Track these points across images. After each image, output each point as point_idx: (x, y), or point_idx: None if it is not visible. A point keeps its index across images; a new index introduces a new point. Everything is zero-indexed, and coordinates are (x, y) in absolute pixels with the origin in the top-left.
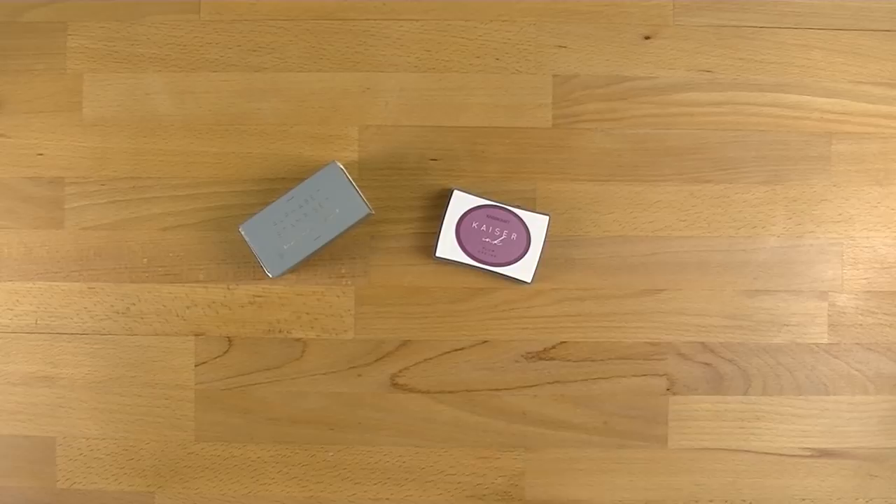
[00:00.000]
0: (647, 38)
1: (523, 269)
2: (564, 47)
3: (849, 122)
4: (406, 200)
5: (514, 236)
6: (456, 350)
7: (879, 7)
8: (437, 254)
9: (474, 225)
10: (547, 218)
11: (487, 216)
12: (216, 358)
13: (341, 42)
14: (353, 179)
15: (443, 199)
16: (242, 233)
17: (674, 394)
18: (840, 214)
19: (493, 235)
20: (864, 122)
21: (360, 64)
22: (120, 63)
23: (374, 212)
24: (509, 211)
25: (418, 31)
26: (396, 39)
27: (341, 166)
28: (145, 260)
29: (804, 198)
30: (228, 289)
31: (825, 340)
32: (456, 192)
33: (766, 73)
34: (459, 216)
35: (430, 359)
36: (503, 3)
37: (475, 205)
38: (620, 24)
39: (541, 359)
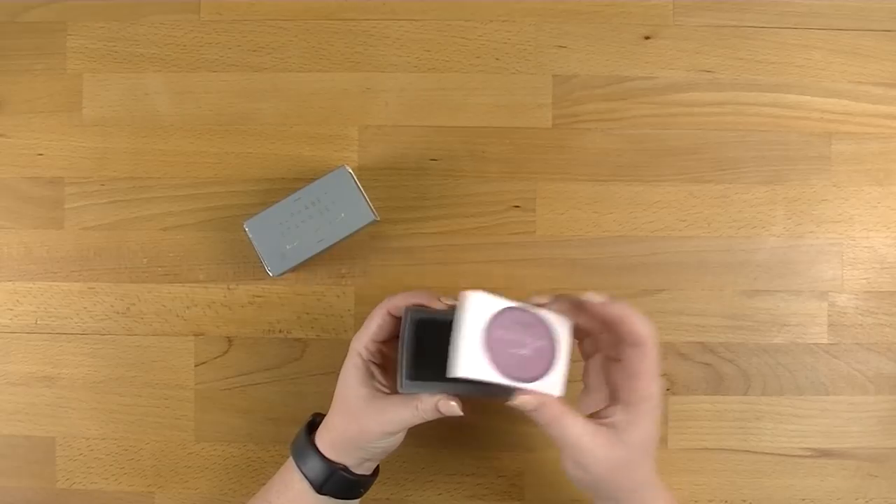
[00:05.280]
0: (646, 38)
1: (553, 384)
2: (564, 47)
3: (849, 122)
4: (406, 201)
5: (540, 343)
6: None
7: (879, 7)
8: (460, 373)
9: (501, 333)
10: (569, 323)
11: (514, 321)
12: (216, 358)
13: (341, 42)
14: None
15: (443, 199)
16: (246, 229)
17: (673, 394)
18: (840, 214)
19: (521, 344)
20: (864, 122)
21: (360, 64)
22: (120, 63)
23: (379, 218)
24: (534, 314)
25: (418, 31)
26: (396, 39)
27: (350, 171)
28: (145, 260)
29: (804, 198)
30: (228, 289)
31: (825, 340)
32: (472, 295)
33: (766, 73)
34: (486, 322)
35: None
36: (503, 3)
37: (502, 307)
38: (620, 24)
39: None
